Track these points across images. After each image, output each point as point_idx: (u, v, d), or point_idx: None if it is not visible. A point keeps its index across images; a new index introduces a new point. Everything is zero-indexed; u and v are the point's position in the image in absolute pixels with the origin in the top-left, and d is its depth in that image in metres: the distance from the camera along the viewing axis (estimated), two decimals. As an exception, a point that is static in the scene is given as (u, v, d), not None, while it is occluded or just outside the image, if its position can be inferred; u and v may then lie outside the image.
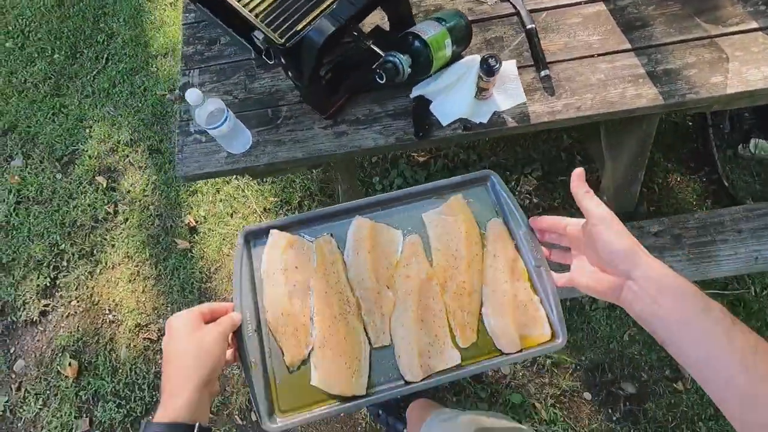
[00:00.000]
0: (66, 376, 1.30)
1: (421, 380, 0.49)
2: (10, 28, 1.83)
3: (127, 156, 1.57)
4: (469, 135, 0.74)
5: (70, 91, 1.72)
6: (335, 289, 0.54)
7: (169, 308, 1.38)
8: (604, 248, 0.42)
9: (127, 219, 1.45)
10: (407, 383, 0.50)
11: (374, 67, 0.67)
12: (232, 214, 1.43)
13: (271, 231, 0.56)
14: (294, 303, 0.53)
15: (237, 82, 0.83)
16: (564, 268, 0.49)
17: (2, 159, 1.63)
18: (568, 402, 1.20)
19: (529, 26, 0.79)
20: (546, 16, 0.82)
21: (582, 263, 0.47)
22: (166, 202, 1.45)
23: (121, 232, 1.44)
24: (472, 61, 0.76)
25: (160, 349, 1.38)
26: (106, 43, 1.78)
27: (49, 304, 1.42)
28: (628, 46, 0.76)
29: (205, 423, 0.42)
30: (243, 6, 0.63)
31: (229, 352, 0.49)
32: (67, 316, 1.39)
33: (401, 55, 0.69)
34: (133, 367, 1.30)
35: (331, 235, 0.57)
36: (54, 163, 1.61)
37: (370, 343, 0.52)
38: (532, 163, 1.39)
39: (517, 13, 0.82)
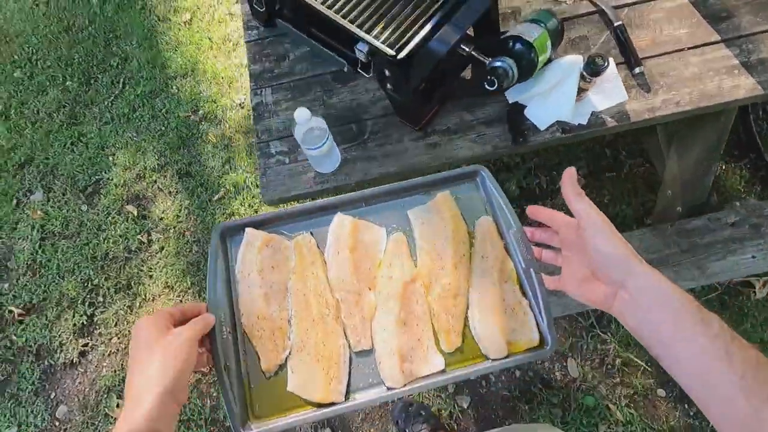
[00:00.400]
0: (116, 419, 1.32)
1: (403, 386, 0.48)
2: (16, 57, 1.89)
3: (156, 182, 1.62)
4: (568, 137, 0.78)
5: (88, 118, 1.75)
6: (314, 291, 0.53)
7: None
8: (596, 254, 0.41)
9: (162, 247, 1.49)
10: (389, 389, 0.49)
11: (485, 73, 0.72)
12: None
13: (247, 229, 0.55)
14: (271, 305, 0.52)
15: (314, 99, 0.86)
16: (555, 270, 0.48)
17: (21, 194, 1.67)
18: (642, 401, 1.24)
19: (617, 23, 0.82)
20: (628, 12, 0.86)
21: (573, 267, 0.45)
22: (202, 226, 1.42)
23: (157, 262, 1.42)
24: (573, 62, 0.78)
25: (214, 380, 1.32)
26: (120, 66, 1.81)
27: (88, 343, 1.43)
28: (717, 37, 0.80)
29: None
30: (343, 19, 0.66)
31: (204, 357, 0.48)
32: (109, 354, 1.40)
33: (509, 60, 0.71)
34: (187, 403, 1.32)
35: (311, 233, 0.56)
36: (78, 194, 1.64)
37: (350, 348, 0.51)
38: (577, 161, 1.46)
39: (599, 11, 0.85)
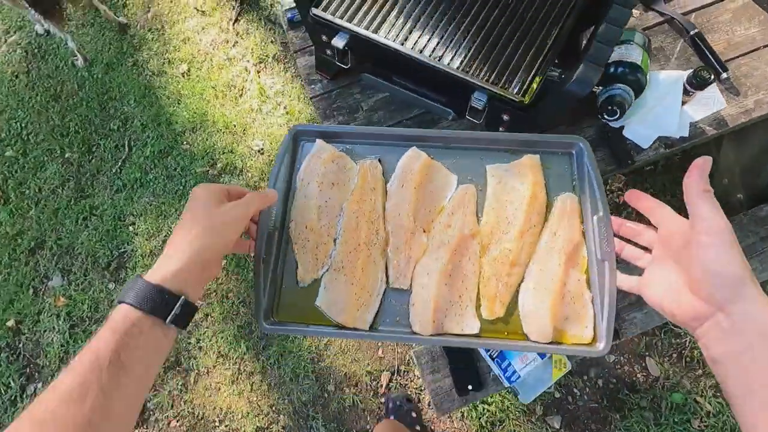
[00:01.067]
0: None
1: (429, 335, 0.51)
2: (4, 134, 1.92)
3: (184, 246, 1.48)
4: (672, 152, 0.83)
5: (97, 189, 1.79)
6: (368, 217, 0.55)
7: (285, 400, 1.43)
8: (705, 266, 0.36)
9: (207, 315, 1.45)
10: (414, 333, 0.51)
11: (602, 103, 0.74)
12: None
13: (317, 140, 0.59)
14: (321, 219, 0.56)
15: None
16: (632, 271, 0.46)
17: (37, 281, 1.67)
18: (728, 389, 1.23)
19: (693, 31, 0.89)
20: (695, 18, 0.93)
21: (663, 273, 0.41)
22: (245, 285, 1.37)
23: (205, 331, 1.41)
24: (676, 77, 0.82)
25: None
26: (122, 129, 1.87)
27: (146, 431, 1.43)
28: None
29: (192, 299, 0.43)
30: (457, 71, 0.67)
31: (247, 244, 0.53)
32: (171, 439, 1.49)
33: (623, 86, 0.74)
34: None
35: (380, 160, 0.59)
36: (101, 272, 1.65)
37: (387, 282, 0.54)
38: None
39: (668, 20, 0.92)
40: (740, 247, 0.36)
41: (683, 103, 0.81)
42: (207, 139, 1.80)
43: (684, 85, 0.79)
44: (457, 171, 0.59)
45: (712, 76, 0.75)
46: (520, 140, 0.57)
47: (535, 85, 0.66)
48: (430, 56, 0.68)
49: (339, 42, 0.72)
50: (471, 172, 0.58)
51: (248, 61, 1.87)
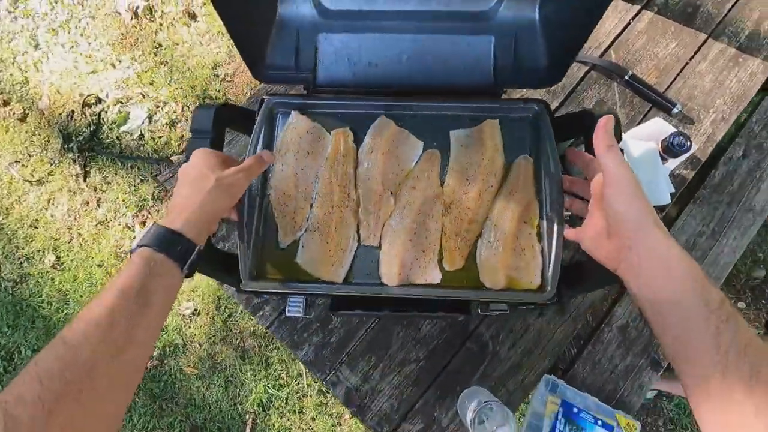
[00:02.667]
0: None
1: (396, 286, 0.57)
2: None
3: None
4: (666, 208, 0.89)
5: None
6: (340, 181, 0.62)
7: None
8: (611, 211, 0.42)
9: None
10: (382, 285, 0.58)
11: None
12: None
13: (293, 112, 0.65)
14: (299, 186, 0.62)
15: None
16: (579, 223, 0.51)
17: None
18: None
19: (628, 75, 0.91)
20: (614, 55, 0.96)
21: (593, 222, 0.47)
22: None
23: None
24: (651, 150, 0.81)
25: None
26: (10, 368, 1.50)
27: None
28: (702, 35, 0.96)
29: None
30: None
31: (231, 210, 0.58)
32: None
33: None
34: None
35: (351, 128, 0.64)
36: None
37: (359, 240, 0.61)
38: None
39: (593, 67, 0.94)
40: (644, 194, 0.41)
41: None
42: None
43: (660, 154, 0.79)
44: (423, 137, 0.64)
45: (688, 144, 0.74)
46: (483, 107, 0.63)
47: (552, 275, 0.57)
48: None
49: (296, 310, 0.61)
50: (436, 139, 0.64)
51: (124, 215, 1.56)
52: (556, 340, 0.84)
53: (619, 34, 0.98)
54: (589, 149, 0.57)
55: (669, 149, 0.78)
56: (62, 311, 1.64)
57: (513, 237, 0.58)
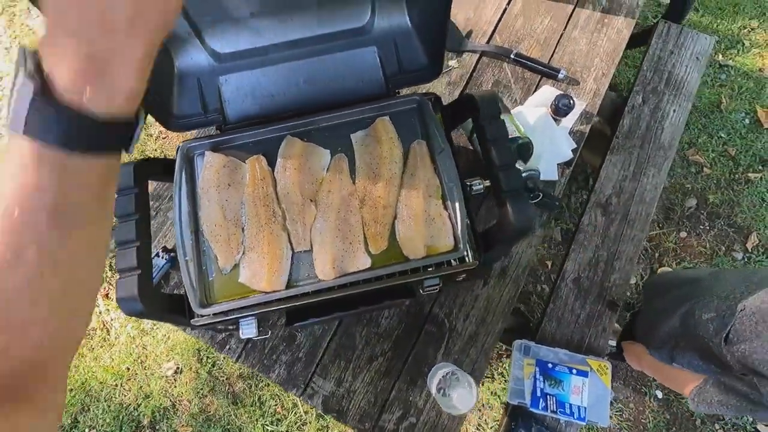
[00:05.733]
0: None
1: (332, 278, 0.63)
2: None
3: None
4: (573, 162, 0.96)
5: None
6: (263, 202, 0.68)
7: None
8: None
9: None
10: (320, 281, 0.64)
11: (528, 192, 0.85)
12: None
13: (206, 153, 0.70)
14: (227, 215, 0.67)
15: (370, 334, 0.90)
16: None
17: None
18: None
19: (514, 53, 1.02)
20: (499, 39, 1.06)
21: None
22: None
23: None
24: (543, 116, 0.92)
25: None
26: None
27: None
28: (571, 6, 1.07)
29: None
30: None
31: None
32: None
33: (521, 164, 0.83)
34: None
35: (263, 154, 0.71)
36: None
37: (292, 249, 0.67)
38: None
39: (483, 54, 1.04)
40: None
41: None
42: (110, 406, 1.58)
43: (551, 117, 0.90)
44: (328, 146, 0.71)
45: (572, 101, 0.84)
46: (374, 107, 0.71)
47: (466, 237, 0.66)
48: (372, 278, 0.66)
49: (250, 330, 0.66)
50: (340, 144, 0.71)
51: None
52: (503, 302, 0.90)
53: (499, 20, 1.09)
54: (479, 130, 0.65)
55: (558, 110, 0.90)
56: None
57: (422, 211, 0.66)
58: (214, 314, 0.64)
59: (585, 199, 1.45)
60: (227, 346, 0.87)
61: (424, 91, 0.73)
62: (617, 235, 1.32)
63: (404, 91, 0.77)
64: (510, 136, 0.83)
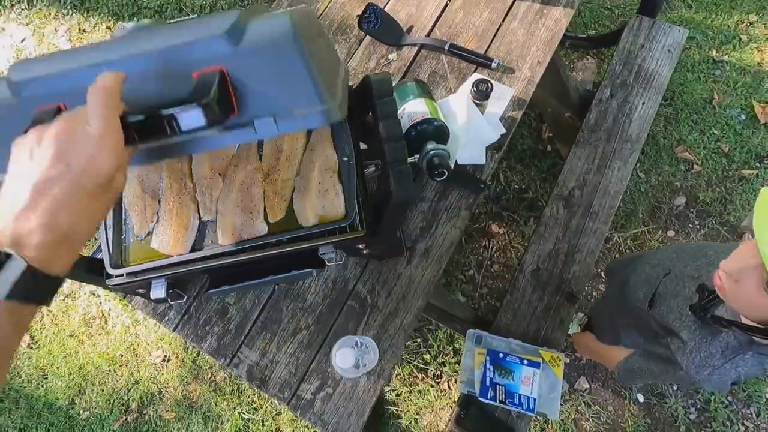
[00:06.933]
0: None
1: (230, 243, 0.70)
2: None
3: None
4: (504, 148, 1.00)
5: None
6: (177, 176, 0.75)
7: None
8: None
9: None
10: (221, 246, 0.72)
11: (427, 169, 0.83)
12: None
13: None
14: (145, 189, 0.75)
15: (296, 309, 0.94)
16: None
17: None
18: None
19: (447, 45, 1.05)
20: (439, 32, 1.10)
21: None
22: None
23: None
24: (463, 100, 0.95)
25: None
26: None
27: None
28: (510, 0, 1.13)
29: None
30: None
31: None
32: None
33: (432, 144, 0.83)
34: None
35: None
36: None
37: (200, 218, 0.74)
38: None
39: (422, 47, 1.09)
40: None
41: (483, 112, 0.94)
42: (103, 390, 1.72)
43: (473, 102, 0.92)
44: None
45: (489, 85, 0.87)
46: None
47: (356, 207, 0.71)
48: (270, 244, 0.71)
49: (159, 292, 0.76)
50: None
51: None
52: (425, 280, 0.91)
53: (440, 15, 1.13)
54: (372, 108, 0.68)
55: (476, 94, 0.93)
56: (42, 386, 1.79)
57: (316, 183, 0.72)
58: (127, 274, 0.72)
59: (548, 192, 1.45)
60: (166, 317, 0.93)
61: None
62: (579, 228, 1.32)
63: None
64: (424, 118, 0.86)
